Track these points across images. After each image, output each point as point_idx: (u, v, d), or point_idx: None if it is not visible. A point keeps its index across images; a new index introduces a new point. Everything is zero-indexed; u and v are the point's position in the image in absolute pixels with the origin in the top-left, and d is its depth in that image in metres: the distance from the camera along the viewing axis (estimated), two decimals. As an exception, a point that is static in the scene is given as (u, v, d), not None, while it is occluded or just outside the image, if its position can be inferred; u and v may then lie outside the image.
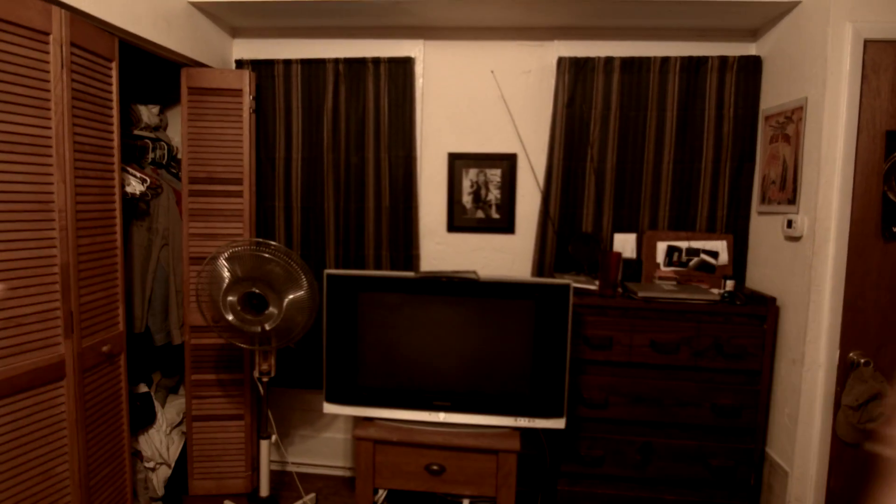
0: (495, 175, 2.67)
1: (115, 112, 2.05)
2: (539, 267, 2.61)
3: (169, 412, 2.68)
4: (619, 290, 2.34)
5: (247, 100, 2.48)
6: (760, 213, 2.41)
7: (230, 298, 2.09)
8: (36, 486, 1.70)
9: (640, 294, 2.20)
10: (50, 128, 1.72)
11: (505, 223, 2.69)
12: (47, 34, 1.69)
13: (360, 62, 2.62)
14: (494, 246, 2.72)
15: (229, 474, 2.62)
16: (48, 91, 1.71)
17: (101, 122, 1.97)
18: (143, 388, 2.58)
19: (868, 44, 1.94)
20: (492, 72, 2.62)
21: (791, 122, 2.18)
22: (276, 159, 2.70)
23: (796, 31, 2.19)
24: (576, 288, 2.20)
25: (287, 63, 2.65)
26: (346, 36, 2.70)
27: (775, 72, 2.35)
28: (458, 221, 2.72)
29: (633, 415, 2.22)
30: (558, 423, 2.10)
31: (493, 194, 2.69)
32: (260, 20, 2.62)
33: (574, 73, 2.52)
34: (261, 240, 2.18)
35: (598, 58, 2.50)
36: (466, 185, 2.69)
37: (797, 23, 2.19)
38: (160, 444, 2.55)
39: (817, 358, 2.03)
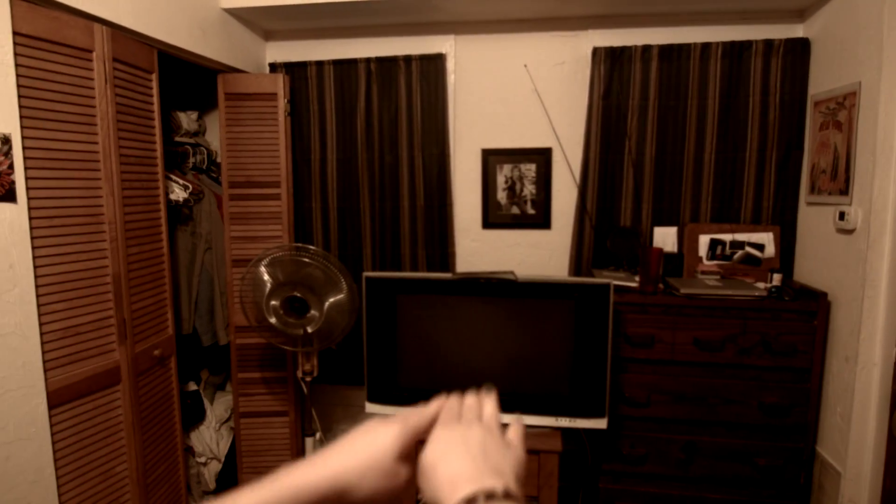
0: (530, 170, 2.64)
1: (156, 122, 2.10)
2: (576, 263, 2.58)
3: (217, 409, 2.78)
4: (661, 286, 2.29)
5: (282, 103, 2.51)
6: (809, 204, 2.32)
7: (273, 303, 2.14)
8: (98, 485, 1.80)
9: (683, 290, 2.15)
10: (97, 143, 1.78)
11: (540, 218, 2.66)
12: (90, 51, 1.74)
13: (392, 60, 2.61)
14: (530, 242, 2.70)
15: (276, 468, 2.70)
16: (94, 107, 1.77)
17: (144, 133, 2.03)
18: (193, 386, 2.68)
19: (929, 23, 1.83)
20: (525, 66, 2.58)
21: (843, 109, 2.08)
22: (311, 161, 2.73)
23: (848, 10, 2.07)
24: (616, 285, 2.16)
25: (319, 64, 2.66)
26: (376, 34, 2.69)
27: (825, 55, 2.24)
28: (493, 218, 2.70)
29: (677, 413, 2.19)
30: (600, 423, 2.08)
31: (528, 189, 2.66)
32: (292, 23, 2.64)
33: (610, 64, 2.45)
34: (300, 244, 2.22)
35: (635, 46, 2.43)
36: (501, 180, 2.67)
37: (849, 1, 2.07)
38: (210, 439, 2.64)
39: (872, 356, 1.95)
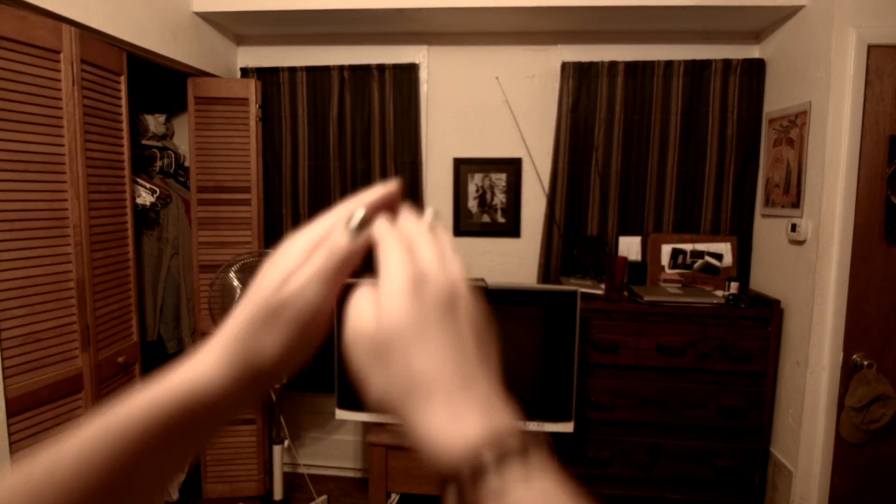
0: (500, 179, 2.69)
1: (124, 125, 2.07)
2: (545, 271, 2.63)
3: (181, 417, 2.72)
4: (625, 293, 2.37)
5: (253, 108, 2.50)
6: (764, 216, 2.44)
7: (242, 308, 2.12)
8: (58, 496, 1.74)
9: (646, 298, 2.23)
10: (63, 145, 1.74)
11: (510, 227, 2.71)
12: (58, 52, 1.71)
13: (365, 69, 2.63)
14: (500, 250, 2.75)
15: (242, 478, 2.66)
16: (60, 109, 1.73)
17: (111, 135, 1.99)
18: (156, 395, 2.62)
19: (871, 49, 1.96)
20: (496, 78, 2.63)
21: (795, 126, 2.20)
22: (282, 167, 2.72)
23: (800, 34, 2.20)
24: (582, 293, 2.22)
25: (292, 70, 2.66)
26: (350, 42, 2.70)
27: (779, 75, 2.37)
28: (464, 226, 2.74)
29: (640, 417, 2.26)
30: (567, 427, 2.13)
31: (499, 198, 2.71)
32: (265, 28, 2.63)
33: (578, 78, 2.53)
34: (271, 249, 2.21)
35: (602, 62, 2.52)
36: (472, 189, 2.71)
37: (801, 26, 2.20)
38: (174, 449, 2.59)
39: (821, 360, 2.06)
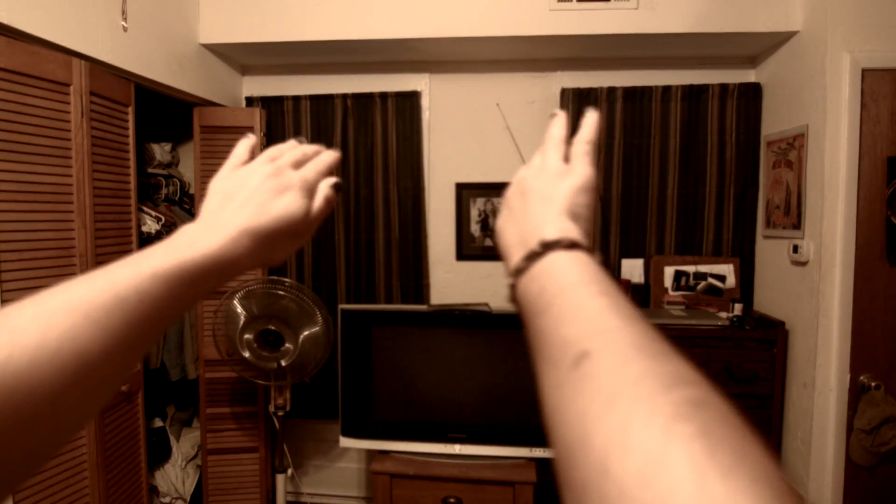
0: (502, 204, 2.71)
1: (131, 155, 2.09)
2: (548, 294, 2.63)
3: (184, 446, 2.69)
4: (629, 316, 2.36)
5: (258, 137, 2.53)
6: (766, 238, 2.45)
7: (247, 336, 2.12)
8: (59, 529, 1.72)
9: (651, 321, 2.22)
10: (71, 175, 1.77)
11: (513, 251, 2.72)
12: (68, 85, 1.74)
13: (368, 97, 2.67)
14: (504, 273, 2.75)
15: (245, 507, 2.62)
16: (69, 140, 1.76)
17: (118, 165, 2.02)
18: (159, 423, 2.60)
19: (866, 73, 1.99)
20: (497, 104, 2.68)
21: (793, 149, 2.23)
22: (286, 193, 2.74)
23: (795, 59, 2.24)
24: (586, 316, 2.22)
25: (296, 99, 2.71)
26: (353, 71, 2.76)
27: (775, 98, 2.40)
28: (466, 250, 2.75)
29: (647, 441, 2.23)
30: (573, 453, 2.11)
31: (501, 222, 2.72)
32: (269, 59, 2.69)
33: (578, 103, 2.57)
34: (274, 277, 2.21)
35: (601, 88, 2.56)
36: (474, 213, 2.73)
37: (795, 51, 2.24)
38: (176, 478, 2.56)
39: (828, 382, 2.04)
